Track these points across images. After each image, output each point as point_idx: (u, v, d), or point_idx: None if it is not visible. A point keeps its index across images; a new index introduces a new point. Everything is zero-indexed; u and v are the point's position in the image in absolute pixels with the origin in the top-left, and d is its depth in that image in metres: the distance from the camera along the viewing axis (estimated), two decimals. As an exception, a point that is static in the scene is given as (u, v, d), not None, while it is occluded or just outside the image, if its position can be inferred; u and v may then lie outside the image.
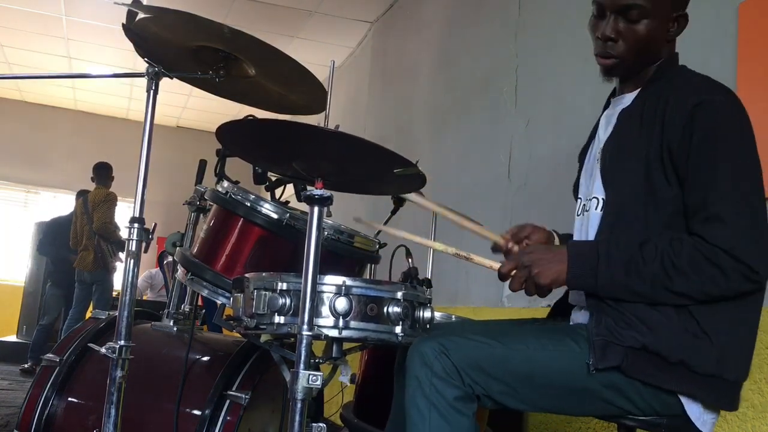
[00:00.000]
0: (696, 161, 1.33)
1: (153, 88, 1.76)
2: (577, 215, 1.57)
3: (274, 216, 1.78)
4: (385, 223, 2.43)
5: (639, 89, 1.50)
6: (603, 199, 1.47)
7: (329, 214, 1.74)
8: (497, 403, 1.38)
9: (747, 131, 1.36)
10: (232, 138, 1.52)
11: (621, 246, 1.35)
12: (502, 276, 1.42)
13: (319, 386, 1.28)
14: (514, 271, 1.40)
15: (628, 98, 1.52)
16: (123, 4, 1.72)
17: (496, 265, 1.43)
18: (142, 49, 1.83)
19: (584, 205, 1.55)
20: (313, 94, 1.99)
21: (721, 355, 1.32)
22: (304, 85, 1.93)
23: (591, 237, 1.47)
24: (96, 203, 5.89)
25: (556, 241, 1.65)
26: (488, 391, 1.35)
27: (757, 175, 1.35)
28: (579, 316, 1.53)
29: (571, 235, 1.65)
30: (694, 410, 1.35)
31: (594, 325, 1.35)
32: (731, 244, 1.27)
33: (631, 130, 1.43)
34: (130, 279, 1.69)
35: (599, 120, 1.62)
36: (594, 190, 1.50)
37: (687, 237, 1.32)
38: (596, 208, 1.49)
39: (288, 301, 1.38)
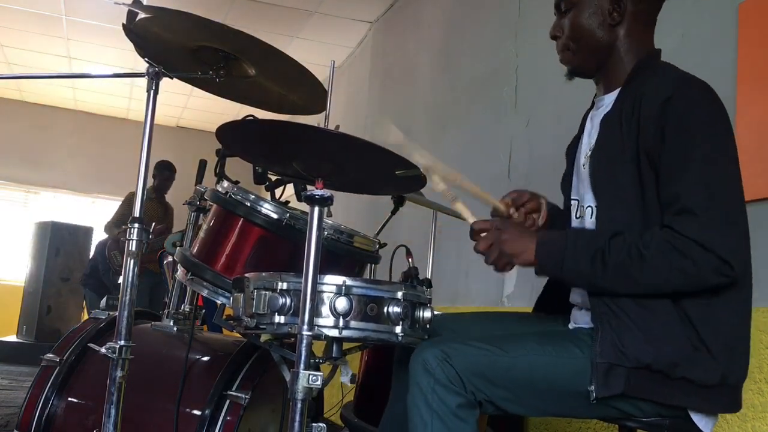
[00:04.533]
0: (668, 155, 1.32)
1: (153, 88, 1.76)
2: (576, 217, 1.57)
3: (274, 216, 1.78)
4: (384, 225, 2.44)
5: (618, 90, 1.49)
6: (595, 207, 1.46)
7: (329, 214, 1.74)
8: (499, 409, 1.37)
9: (721, 123, 1.35)
10: (232, 138, 1.52)
11: (590, 237, 1.35)
12: (473, 232, 1.45)
13: (319, 386, 1.28)
14: (485, 232, 1.43)
15: (609, 100, 1.51)
16: (123, 4, 1.72)
17: (471, 219, 1.48)
18: (142, 49, 1.83)
19: (579, 209, 1.55)
20: (313, 94, 1.99)
21: (723, 364, 1.31)
22: (304, 85, 1.93)
23: None
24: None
25: (544, 210, 1.65)
26: (491, 398, 1.35)
27: (732, 167, 1.33)
28: (580, 317, 1.52)
29: (554, 205, 1.68)
30: (696, 414, 1.35)
31: (599, 341, 1.33)
32: (701, 236, 1.25)
33: (614, 137, 1.42)
34: (130, 279, 1.69)
35: (586, 118, 1.62)
36: (586, 198, 1.50)
37: (658, 229, 1.31)
38: (591, 217, 1.48)
39: (288, 300, 1.38)
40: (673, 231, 1.28)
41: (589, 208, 1.49)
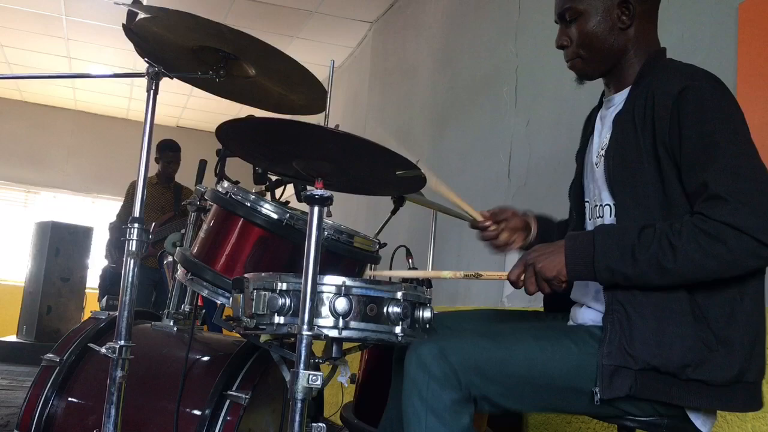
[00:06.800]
0: (689, 146, 1.32)
1: (153, 88, 1.76)
2: (589, 219, 1.57)
3: (274, 216, 1.78)
4: (384, 225, 2.44)
5: (628, 89, 1.49)
6: (614, 205, 1.45)
7: (329, 214, 1.75)
8: (495, 405, 1.37)
9: (735, 109, 1.35)
10: (232, 137, 1.52)
11: (619, 234, 1.34)
12: (513, 283, 1.43)
13: (319, 386, 1.28)
14: (523, 275, 1.41)
15: (619, 99, 1.51)
16: (123, 4, 1.72)
17: (505, 275, 1.45)
18: (142, 49, 1.83)
19: (594, 209, 1.54)
20: (313, 94, 1.99)
21: (741, 362, 1.30)
22: (304, 85, 1.93)
23: None
24: None
25: (533, 225, 1.68)
26: (486, 394, 1.34)
27: (753, 150, 1.32)
28: (580, 315, 1.52)
29: (547, 218, 1.71)
30: (694, 413, 1.35)
31: (606, 342, 1.32)
32: (734, 219, 1.23)
33: (628, 134, 1.42)
34: (130, 279, 1.69)
35: (594, 119, 1.61)
36: (603, 197, 1.49)
37: (688, 216, 1.30)
38: (610, 216, 1.48)
39: (288, 301, 1.38)
40: (704, 216, 1.26)
41: (608, 207, 1.48)
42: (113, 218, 5.56)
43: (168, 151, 5.20)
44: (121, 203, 5.46)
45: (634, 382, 1.30)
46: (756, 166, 1.30)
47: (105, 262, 5.48)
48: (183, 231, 4.82)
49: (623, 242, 1.31)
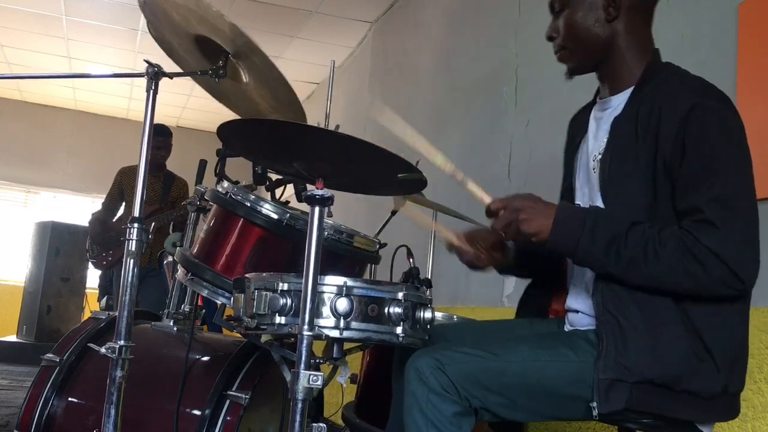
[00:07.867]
0: (688, 167, 1.32)
1: (153, 88, 1.76)
2: None
3: (274, 216, 1.77)
4: (384, 225, 2.44)
5: (628, 91, 1.47)
6: None
7: (330, 215, 1.74)
8: (496, 416, 1.37)
9: (739, 136, 1.35)
10: (233, 137, 1.52)
11: (610, 222, 1.34)
12: (490, 212, 1.43)
13: (320, 386, 1.28)
14: (502, 211, 1.40)
15: (617, 101, 1.49)
16: None
17: (487, 199, 1.45)
18: (152, 26, 1.82)
19: None
20: (292, 116, 1.98)
21: (726, 375, 1.31)
22: (288, 105, 1.93)
23: None
24: None
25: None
26: (486, 404, 1.34)
27: (750, 181, 1.33)
28: (577, 320, 1.51)
29: None
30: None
31: (602, 357, 1.32)
32: (718, 247, 1.25)
33: (628, 142, 1.41)
34: (130, 279, 1.69)
35: (586, 119, 1.59)
36: (596, 202, 1.48)
37: (677, 229, 1.31)
38: None
39: (289, 301, 1.38)
40: (692, 236, 1.28)
41: None
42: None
43: (156, 136, 4.38)
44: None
45: (630, 395, 1.30)
46: (749, 198, 1.32)
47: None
48: (170, 221, 4.61)
49: (611, 234, 1.32)
